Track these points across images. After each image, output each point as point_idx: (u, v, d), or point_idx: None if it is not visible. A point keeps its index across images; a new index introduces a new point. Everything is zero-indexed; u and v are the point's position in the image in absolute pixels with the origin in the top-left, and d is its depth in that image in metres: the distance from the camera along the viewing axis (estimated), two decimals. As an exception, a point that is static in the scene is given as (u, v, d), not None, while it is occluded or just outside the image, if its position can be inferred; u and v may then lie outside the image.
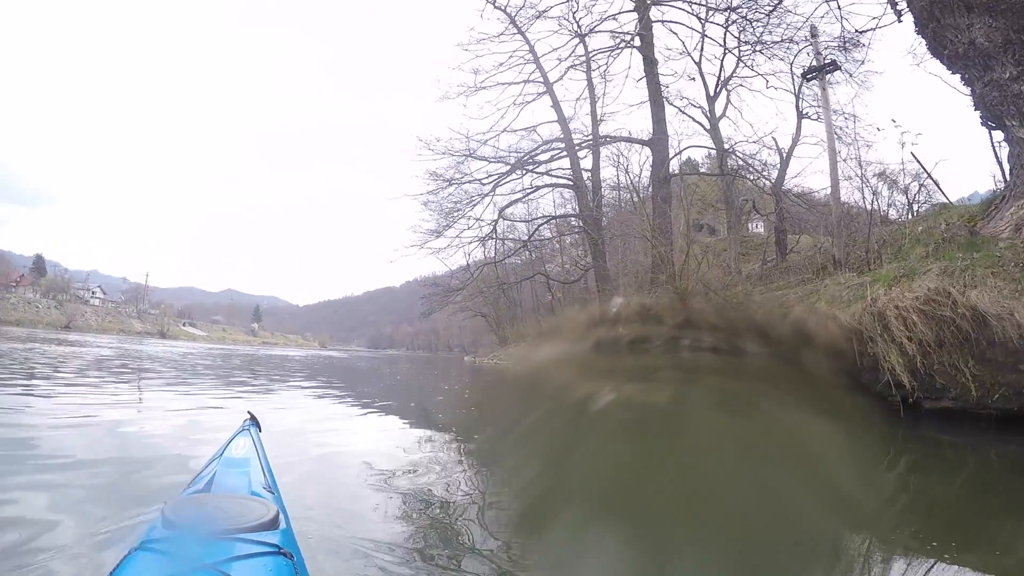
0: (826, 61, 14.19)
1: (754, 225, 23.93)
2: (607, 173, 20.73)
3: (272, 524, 1.75)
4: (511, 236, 20.14)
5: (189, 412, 7.02)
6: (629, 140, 18.53)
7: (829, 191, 14.17)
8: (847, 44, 14.82)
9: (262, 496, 2.13)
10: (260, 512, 1.79)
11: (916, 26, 9.24)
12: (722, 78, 17.75)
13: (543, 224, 20.25)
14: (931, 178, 12.28)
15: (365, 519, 3.32)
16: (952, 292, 5.68)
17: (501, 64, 18.38)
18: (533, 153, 18.21)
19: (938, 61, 9.31)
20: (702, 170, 22.03)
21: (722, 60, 17.50)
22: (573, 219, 19.92)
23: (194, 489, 2.28)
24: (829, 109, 13.98)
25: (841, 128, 15.54)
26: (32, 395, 7.60)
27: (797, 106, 17.38)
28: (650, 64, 16.72)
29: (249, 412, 3.27)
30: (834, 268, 10.67)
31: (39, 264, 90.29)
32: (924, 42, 9.54)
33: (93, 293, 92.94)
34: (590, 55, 18.27)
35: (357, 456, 5.12)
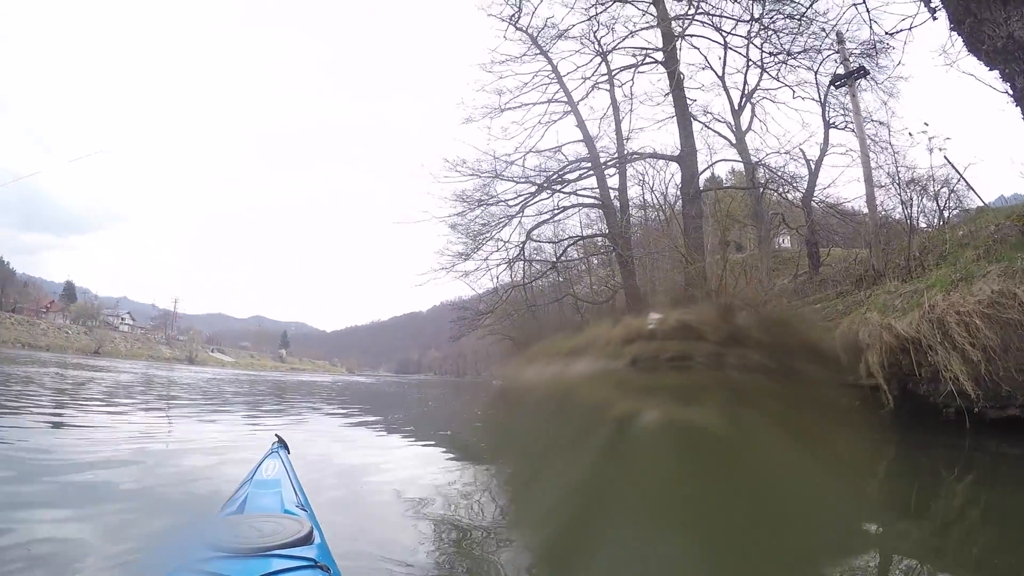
0: (854, 67, 13.90)
1: (781, 240, 23.58)
2: (632, 192, 20.52)
3: (307, 539, 1.74)
4: (538, 258, 19.93)
5: (218, 436, 7.03)
6: (657, 156, 18.33)
7: (862, 200, 13.83)
8: (876, 49, 14.44)
9: (295, 514, 2.11)
10: (295, 528, 1.77)
11: (951, 23, 8.96)
12: (746, 91, 17.56)
13: (571, 245, 20.00)
14: (965, 181, 11.87)
15: (398, 539, 3.27)
16: (1018, 293, 5.35)
17: (525, 84, 18.40)
18: (560, 172, 18.09)
19: (974, 58, 9.03)
20: (726, 185, 21.72)
21: (745, 73, 17.33)
22: (601, 238, 19.71)
23: (228, 511, 2.26)
24: (860, 116, 13.68)
25: (871, 136, 15.18)
26: (63, 420, 7.65)
27: (824, 115, 16.97)
28: (675, 79, 16.57)
29: (277, 435, 3.34)
30: (874, 278, 10.34)
31: (69, 290, 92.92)
32: (958, 40, 9.27)
33: (123, 319, 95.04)
34: (613, 73, 18.23)
35: (389, 480, 5.04)
